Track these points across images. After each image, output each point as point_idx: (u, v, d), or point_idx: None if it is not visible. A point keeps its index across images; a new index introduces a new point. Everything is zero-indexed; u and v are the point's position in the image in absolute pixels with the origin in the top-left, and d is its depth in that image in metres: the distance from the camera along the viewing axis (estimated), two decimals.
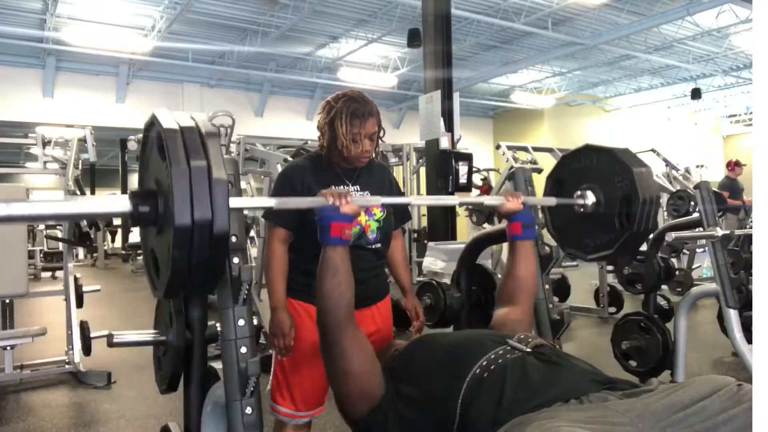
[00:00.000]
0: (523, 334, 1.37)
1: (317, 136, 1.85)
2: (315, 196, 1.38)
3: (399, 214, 2.00)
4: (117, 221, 15.75)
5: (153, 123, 1.14)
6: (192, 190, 1.02)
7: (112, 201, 1.11)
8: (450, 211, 5.42)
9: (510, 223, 1.69)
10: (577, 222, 1.79)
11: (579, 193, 1.75)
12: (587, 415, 1.01)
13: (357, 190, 1.86)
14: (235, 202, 1.18)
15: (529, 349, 1.27)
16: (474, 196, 6.41)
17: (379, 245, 1.88)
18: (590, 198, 1.72)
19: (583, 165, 1.80)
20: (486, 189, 8.17)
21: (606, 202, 1.70)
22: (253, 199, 1.30)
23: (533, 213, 2.10)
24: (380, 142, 1.87)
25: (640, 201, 1.62)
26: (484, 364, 1.24)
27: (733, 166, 8.16)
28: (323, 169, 1.84)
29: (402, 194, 2.10)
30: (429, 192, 5.63)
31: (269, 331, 1.84)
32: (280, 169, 4.81)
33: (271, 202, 1.34)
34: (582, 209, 1.74)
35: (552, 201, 1.78)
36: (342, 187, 1.84)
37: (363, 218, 1.82)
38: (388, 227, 1.92)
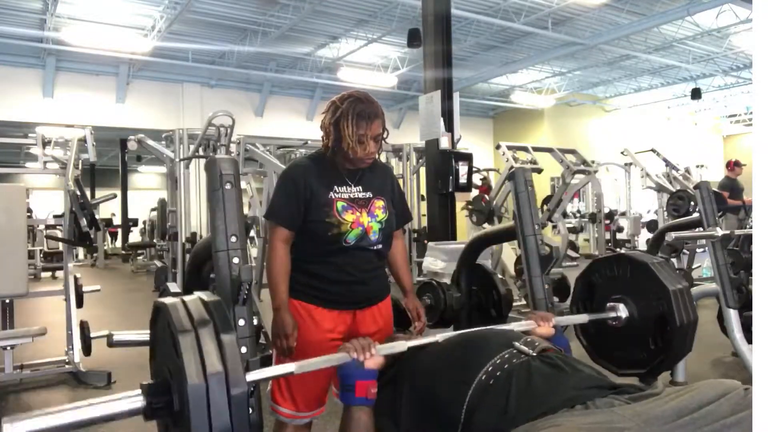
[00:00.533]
0: (530, 337, 1.36)
1: (321, 136, 1.84)
2: (338, 352, 1.31)
3: (400, 215, 2.00)
4: (117, 221, 15.75)
5: (161, 312, 1.08)
6: (209, 405, 0.96)
7: (123, 400, 1.03)
8: (450, 211, 5.42)
9: None
10: (609, 333, 1.71)
11: (611, 305, 1.69)
12: (593, 420, 1.01)
13: (359, 191, 1.85)
14: (252, 375, 1.12)
15: (534, 354, 1.26)
16: (474, 196, 6.41)
17: (380, 246, 1.88)
18: (623, 312, 1.66)
19: (616, 274, 1.73)
20: (485, 189, 8.17)
21: (640, 319, 1.63)
22: (273, 368, 1.25)
23: (533, 208, 2.08)
24: (384, 143, 1.86)
25: (677, 325, 1.54)
26: (490, 369, 1.23)
27: (733, 166, 8.16)
28: (326, 170, 1.83)
29: (403, 194, 2.09)
30: (429, 191, 5.62)
31: (271, 332, 1.83)
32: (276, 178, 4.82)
33: (291, 368, 1.24)
34: (614, 323, 1.67)
35: (584, 318, 1.71)
36: (345, 188, 1.83)
37: (365, 220, 1.81)
38: (390, 228, 1.91)
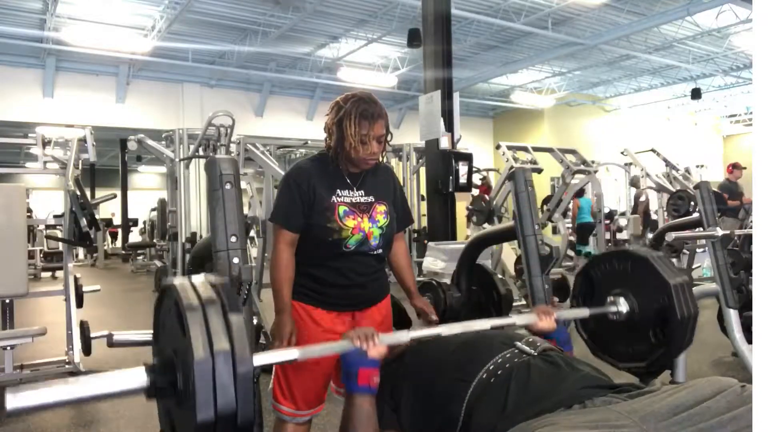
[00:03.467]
0: (531, 338, 1.36)
1: (324, 137, 1.84)
2: (340, 340, 1.32)
3: (402, 218, 1.99)
4: (117, 221, 15.76)
5: (169, 292, 1.08)
6: (215, 380, 0.95)
7: (127, 376, 1.02)
8: (450, 211, 5.42)
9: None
10: (609, 327, 1.72)
11: (611, 299, 1.69)
12: (590, 418, 1.01)
13: (362, 195, 1.84)
14: (258, 359, 1.12)
15: (536, 354, 1.26)
16: (474, 195, 6.42)
17: (380, 251, 1.87)
18: (623, 306, 1.66)
19: (617, 268, 1.73)
20: (485, 189, 8.18)
21: (641, 312, 1.64)
22: (275, 353, 1.23)
23: (532, 210, 2.09)
24: (387, 145, 1.85)
25: (678, 319, 1.55)
26: (491, 368, 1.24)
27: (732, 168, 8.16)
28: (329, 172, 1.82)
29: (404, 197, 2.08)
30: (429, 191, 5.62)
31: (271, 333, 1.84)
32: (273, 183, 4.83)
33: (294, 354, 1.24)
34: (615, 317, 1.68)
35: (585, 312, 1.71)
36: (347, 192, 1.83)
37: (366, 225, 1.80)
38: (391, 233, 1.91)
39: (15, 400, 0.89)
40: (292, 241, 1.82)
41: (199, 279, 1.08)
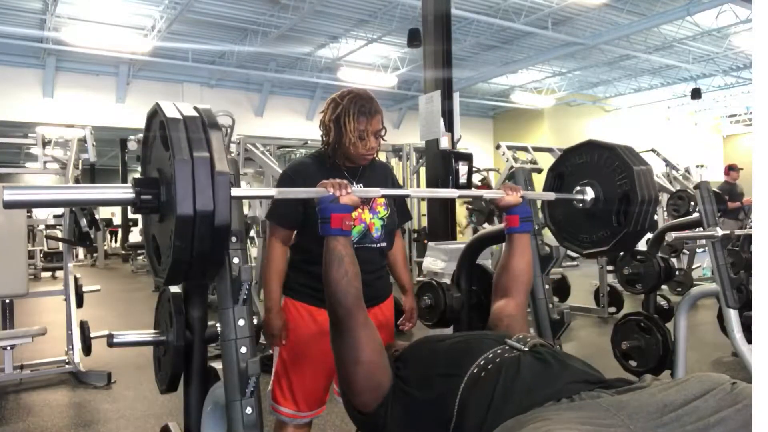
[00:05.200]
0: (522, 334, 1.37)
1: (320, 134, 1.85)
2: (315, 187, 1.39)
3: (400, 213, 2.00)
4: (117, 221, 15.76)
5: (156, 112, 1.16)
6: (194, 180, 1.04)
7: (115, 189, 1.13)
8: (450, 211, 5.42)
9: (508, 215, 1.69)
10: (575, 217, 1.81)
11: (578, 188, 1.76)
12: (579, 414, 1.01)
13: (361, 188, 1.85)
14: (236, 191, 1.20)
15: (526, 349, 1.27)
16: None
17: (384, 244, 1.89)
18: (589, 194, 1.74)
19: (585, 160, 1.80)
20: (485, 189, 8.17)
21: (605, 200, 1.71)
22: (254, 189, 1.35)
23: (532, 209, 2.10)
24: (382, 140, 1.88)
25: (638, 200, 1.62)
26: (481, 363, 1.25)
27: (728, 170, 8.15)
28: (327, 168, 1.83)
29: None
30: None
31: (262, 332, 1.87)
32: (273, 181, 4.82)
33: (271, 191, 1.37)
34: (581, 204, 1.75)
35: (551, 196, 1.79)
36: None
37: (367, 216, 1.82)
38: (392, 225, 1.92)
39: (11, 195, 1.00)
40: (286, 238, 1.85)
41: (191, 114, 1.15)
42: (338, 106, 1.76)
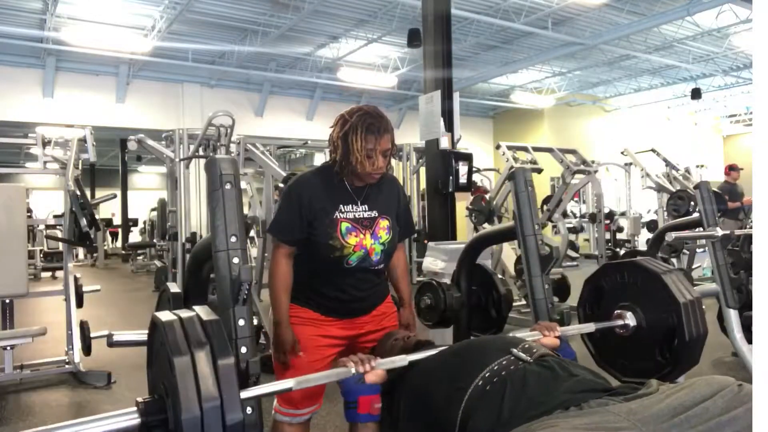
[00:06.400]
0: (527, 344, 1.35)
1: (329, 150, 1.82)
2: (337, 367, 1.28)
3: (404, 229, 1.98)
4: (117, 221, 15.75)
5: (157, 329, 1.07)
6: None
7: (120, 418, 1.04)
8: (450, 211, 5.41)
9: None
10: (615, 339, 1.68)
11: (618, 312, 1.65)
12: (588, 420, 1.01)
13: (365, 209, 1.83)
14: (249, 392, 1.11)
15: (532, 360, 1.25)
16: (473, 197, 6.41)
17: (381, 266, 1.88)
18: (631, 320, 1.63)
19: (626, 280, 1.70)
20: (482, 191, 8.17)
21: (648, 329, 1.60)
22: (272, 384, 1.22)
23: (533, 209, 2.08)
24: (392, 159, 1.84)
25: (686, 339, 1.51)
26: (486, 375, 1.23)
27: (728, 170, 8.14)
28: (333, 186, 1.81)
29: (409, 207, 2.07)
30: (428, 191, 5.61)
31: (272, 344, 1.84)
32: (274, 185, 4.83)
33: (289, 383, 1.22)
34: (622, 330, 1.64)
35: (591, 327, 1.67)
36: (351, 206, 1.81)
37: (369, 242, 1.80)
38: (393, 248, 1.91)
39: None
40: (290, 253, 1.83)
41: (188, 316, 1.06)
42: (346, 123, 1.74)
